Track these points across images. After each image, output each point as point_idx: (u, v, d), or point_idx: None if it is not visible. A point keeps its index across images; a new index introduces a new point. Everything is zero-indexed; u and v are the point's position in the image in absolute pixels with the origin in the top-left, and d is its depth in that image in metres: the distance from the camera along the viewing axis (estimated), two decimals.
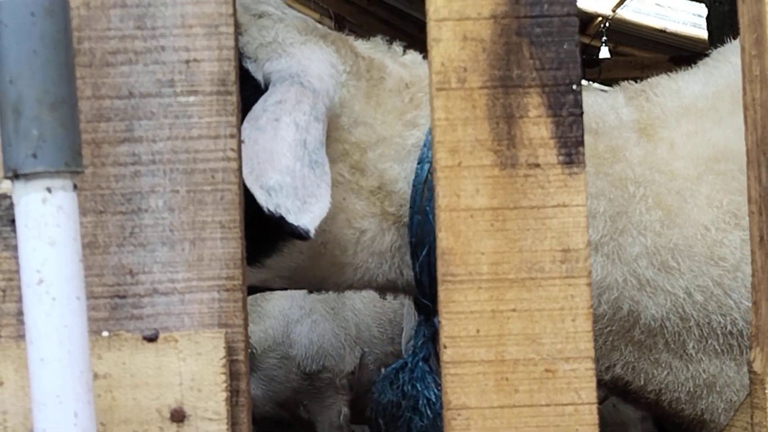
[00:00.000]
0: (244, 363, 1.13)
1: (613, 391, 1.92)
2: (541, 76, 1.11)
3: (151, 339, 1.08)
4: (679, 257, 1.71)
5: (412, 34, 8.72)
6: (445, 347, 1.10)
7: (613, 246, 1.73)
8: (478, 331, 1.10)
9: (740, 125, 1.27)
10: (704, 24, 5.91)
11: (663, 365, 1.78)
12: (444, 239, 1.10)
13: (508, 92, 1.11)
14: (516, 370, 1.10)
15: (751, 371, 1.15)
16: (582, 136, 1.11)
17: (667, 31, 9.22)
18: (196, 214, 1.13)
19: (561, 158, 1.11)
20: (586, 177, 1.11)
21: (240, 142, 1.15)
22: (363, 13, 9.92)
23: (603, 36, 9.17)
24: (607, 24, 9.13)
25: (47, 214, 0.93)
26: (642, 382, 1.81)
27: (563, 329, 1.10)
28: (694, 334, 1.74)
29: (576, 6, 1.11)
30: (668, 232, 1.73)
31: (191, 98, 1.13)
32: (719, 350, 1.75)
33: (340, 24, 9.90)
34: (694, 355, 1.76)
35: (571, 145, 1.11)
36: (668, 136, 1.80)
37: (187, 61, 1.13)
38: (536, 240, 1.10)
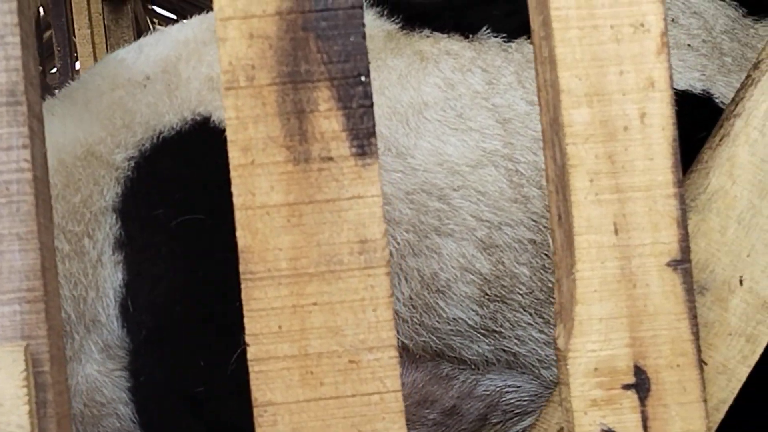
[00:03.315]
0: (51, 374, 1.12)
1: None
2: (330, 69, 1.11)
3: None
4: None
5: None
6: (248, 345, 1.10)
7: None
8: (280, 327, 1.11)
9: None
10: None
11: None
12: (242, 237, 1.11)
13: (297, 88, 1.11)
14: (320, 364, 1.11)
15: (556, 348, 1.17)
16: (374, 127, 1.11)
17: None
18: None
19: (353, 150, 1.11)
20: (379, 167, 1.12)
21: (35, 151, 1.14)
22: None
23: None
24: None
25: None
26: None
27: (365, 320, 1.11)
28: None
29: None
30: None
31: None
32: None
33: None
34: None
35: (363, 137, 1.11)
36: None
37: None
38: (333, 233, 1.11)
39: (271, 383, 1.10)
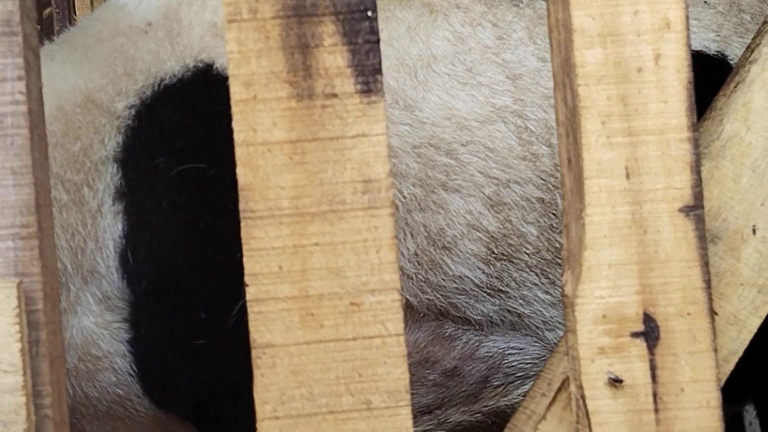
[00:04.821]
0: (44, 312, 1.09)
1: None
2: (335, 3, 1.08)
3: None
4: None
5: None
6: (247, 285, 1.07)
7: None
8: (280, 267, 1.08)
9: None
10: None
11: None
12: (242, 175, 1.08)
13: (301, 21, 1.08)
14: (321, 305, 1.08)
15: (563, 295, 1.14)
16: (380, 63, 1.08)
17: None
18: None
19: (358, 87, 1.08)
20: (385, 105, 1.08)
21: (31, 84, 1.11)
22: None
23: None
24: None
25: None
26: None
27: (367, 261, 1.08)
28: None
29: None
30: None
31: None
32: None
33: None
34: None
35: (368, 74, 1.08)
36: None
37: None
38: (337, 172, 1.08)
39: (270, 325, 1.07)
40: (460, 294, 1.83)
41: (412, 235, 1.79)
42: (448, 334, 1.89)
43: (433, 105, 1.81)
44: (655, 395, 1.10)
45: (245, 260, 1.08)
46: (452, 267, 1.80)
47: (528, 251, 1.83)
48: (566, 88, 1.13)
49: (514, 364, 1.93)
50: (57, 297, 1.16)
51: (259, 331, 1.07)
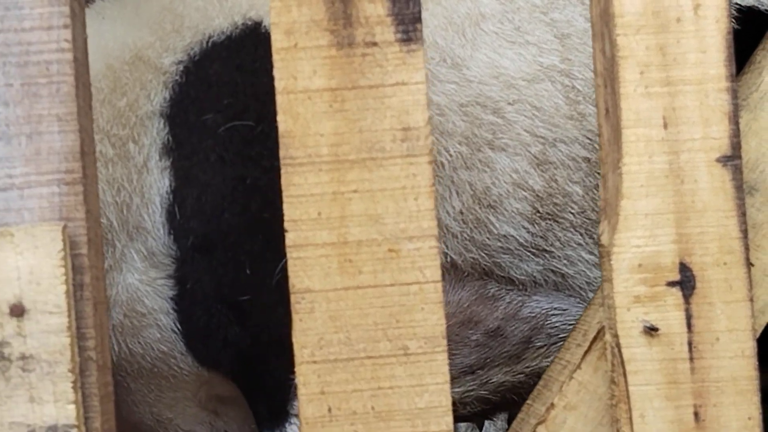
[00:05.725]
0: (88, 257, 1.11)
1: None
2: None
3: None
4: None
5: None
6: (287, 231, 1.09)
7: None
8: (319, 213, 1.09)
9: None
10: None
11: None
12: (282, 122, 1.09)
13: None
14: (359, 252, 1.09)
15: (599, 244, 1.15)
16: (419, 12, 1.09)
17: None
18: (31, 107, 1.11)
19: (398, 36, 1.09)
20: (424, 54, 1.09)
21: (76, 33, 1.13)
22: None
23: None
24: None
25: None
26: None
27: (406, 208, 1.09)
28: None
29: None
30: None
31: None
32: None
33: None
34: None
35: (408, 22, 1.09)
36: None
37: None
38: (376, 120, 1.09)
39: (309, 270, 1.09)
40: (504, 253, 1.83)
41: (457, 193, 1.80)
42: (492, 294, 1.89)
43: (480, 63, 1.81)
44: (690, 344, 1.11)
45: (285, 206, 1.09)
46: (497, 226, 1.81)
47: (573, 211, 1.83)
48: (605, 38, 1.14)
49: (557, 325, 1.93)
50: (100, 243, 1.18)
51: (298, 276, 1.09)
